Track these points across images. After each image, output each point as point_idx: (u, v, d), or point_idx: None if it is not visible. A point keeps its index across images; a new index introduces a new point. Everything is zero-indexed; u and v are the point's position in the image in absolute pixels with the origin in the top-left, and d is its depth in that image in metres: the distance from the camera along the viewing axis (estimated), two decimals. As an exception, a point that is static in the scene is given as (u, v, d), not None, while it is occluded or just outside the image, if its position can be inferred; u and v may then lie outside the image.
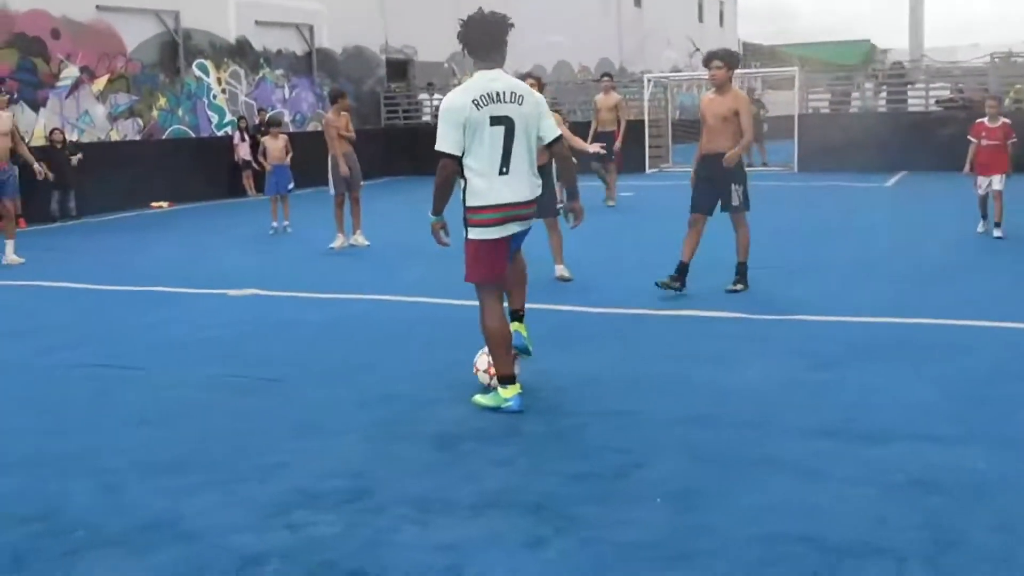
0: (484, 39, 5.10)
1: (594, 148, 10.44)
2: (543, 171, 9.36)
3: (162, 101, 19.92)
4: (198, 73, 20.75)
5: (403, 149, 24.68)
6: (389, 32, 26.72)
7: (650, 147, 24.27)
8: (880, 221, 13.42)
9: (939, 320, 7.18)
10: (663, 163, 25.28)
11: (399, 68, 27.57)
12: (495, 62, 5.09)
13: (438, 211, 5.20)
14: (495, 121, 4.94)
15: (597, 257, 10.69)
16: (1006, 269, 9.43)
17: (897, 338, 6.70)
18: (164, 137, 19.98)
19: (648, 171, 23.92)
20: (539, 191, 5.20)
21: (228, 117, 21.52)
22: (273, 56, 22.90)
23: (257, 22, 22.01)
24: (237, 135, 20.92)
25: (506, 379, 5.26)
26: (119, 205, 18.02)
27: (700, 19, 51.13)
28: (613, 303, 8.13)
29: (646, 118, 24.46)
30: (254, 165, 19.56)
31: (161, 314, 8.42)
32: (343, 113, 12.18)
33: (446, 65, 29.57)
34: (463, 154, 5.00)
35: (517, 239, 5.34)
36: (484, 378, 5.57)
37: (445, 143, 4.98)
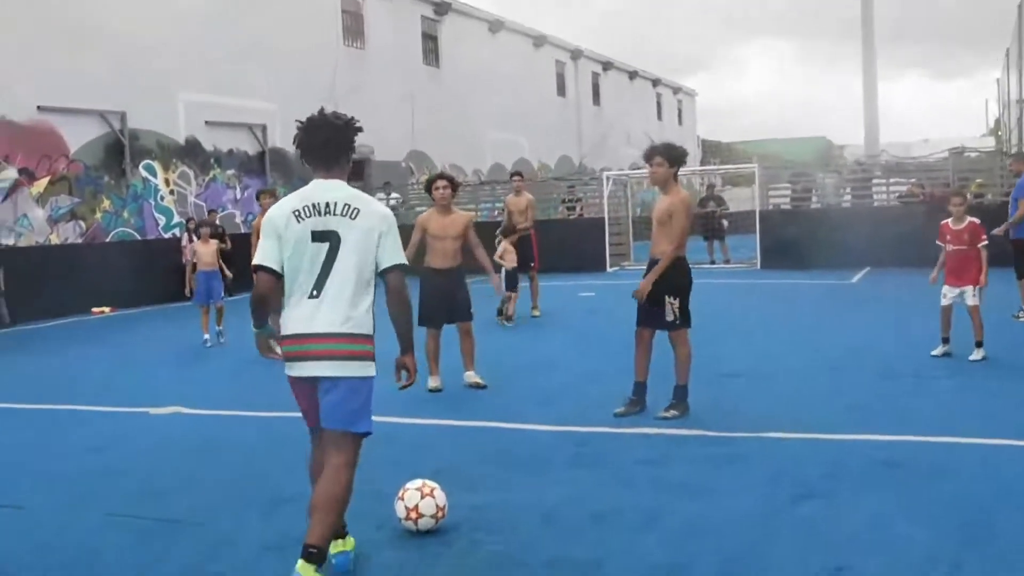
0: (324, 145, 4.31)
1: (496, 282, 9.68)
2: (457, 271, 8.93)
3: (106, 203, 19.25)
4: (145, 174, 20.14)
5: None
6: (345, 131, 26.30)
7: (611, 245, 23.85)
8: (848, 321, 12.89)
9: (921, 437, 6.53)
10: (624, 261, 24.86)
11: (355, 167, 26.93)
12: (334, 172, 4.31)
13: (258, 324, 4.38)
14: (317, 236, 4.19)
15: (553, 365, 10.02)
16: (983, 375, 8.82)
17: (880, 459, 6.03)
18: (108, 240, 19.25)
19: (609, 269, 23.46)
20: (363, 328, 4.20)
21: (176, 219, 20.87)
22: (224, 156, 22.38)
23: (207, 122, 21.52)
24: (185, 237, 20.23)
25: (303, 550, 4.06)
26: (59, 311, 17.19)
27: (659, 117, 51.67)
28: (570, 419, 7.41)
29: (606, 216, 24.09)
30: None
31: (67, 439, 7.59)
32: None
33: (403, 164, 29.28)
34: (279, 270, 4.24)
35: (329, 403, 4.18)
36: (427, 523, 4.88)
37: (258, 253, 4.26)
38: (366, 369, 4.22)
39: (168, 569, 4.64)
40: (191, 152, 21.31)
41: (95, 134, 18.95)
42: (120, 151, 19.43)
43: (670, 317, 7.29)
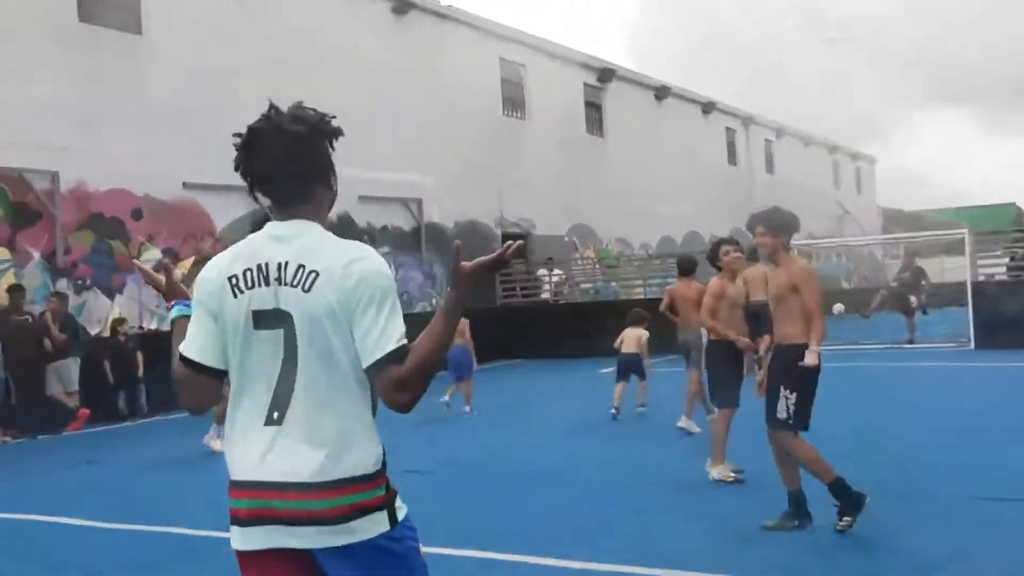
0: (276, 167, 2.62)
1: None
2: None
3: (254, 283, 18.24)
4: (294, 252, 19.12)
5: (521, 330, 22.47)
6: (504, 205, 25.01)
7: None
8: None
9: None
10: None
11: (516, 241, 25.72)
12: (290, 206, 2.63)
13: None
14: (261, 321, 2.55)
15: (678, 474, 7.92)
16: None
17: None
18: (255, 322, 18.20)
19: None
20: (348, 470, 2.49)
21: (327, 299, 19.74)
22: (378, 233, 21.26)
23: (360, 197, 20.46)
24: (335, 318, 19.06)
25: None
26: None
27: (836, 185, 48.75)
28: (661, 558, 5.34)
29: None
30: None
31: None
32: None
33: (567, 238, 27.71)
34: (217, 366, 2.63)
35: None
36: None
37: (186, 339, 2.67)
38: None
39: None
40: (343, 228, 20.18)
41: (242, 211, 18.02)
42: (269, 228, 18.47)
43: (781, 413, 6.06)
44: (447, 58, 23.20)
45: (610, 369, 16.47)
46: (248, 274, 2.55)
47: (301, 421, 2.50)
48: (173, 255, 16.79)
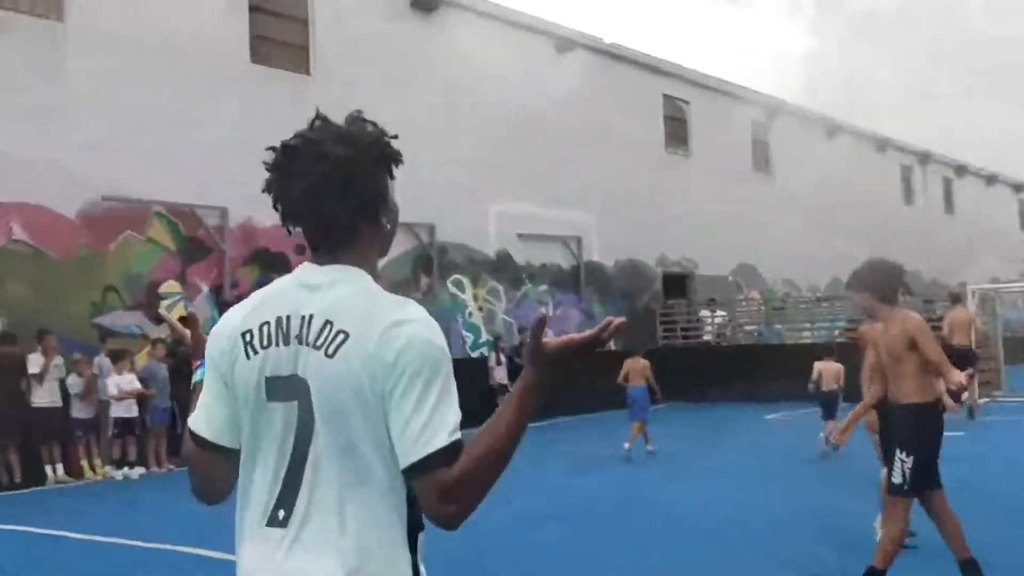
0: (309, 196, 2.05)
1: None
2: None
3: (412, 320, 18.34)
4: (453, 290, 19.17)
5: (682, 371, 21.82)
6: (666, 243, 24.50)
7: (978, 372, 20.05)
8: None
9: None
10: (995, 390, 20.96)
11: (677, 282, 25.15)
12: (327, 245, 2.10)
13: None
14: (275, 390, 1.99)
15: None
16: None
17: None
18: (410, 360, 18.27)
19: (979, 400, 19.66)
20: None
21: (484, 337, 19.66)
22: (536, 271, 21.09)
23: (519, 235, 20.37)
24: (493, 357, 18.90)
25: None
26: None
27: (1022, 226, 46.01)
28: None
29: (972, 339, 20.38)
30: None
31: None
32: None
33: (730, 279, 26.93)
34: (225, 444, 2.10)
35: None
36: None
37: (196, 408, 2.17)
38: None
39: None
40: (502, 267, 20.17)
41: (403, 248, 18.17)
42: (428, 266, 18.57)
43: (897, 479, 5.58)
44: (610, 95, 23.00)
45: (776, 415, 15.79)
46: (265, 329, 2.02)
47: (308, 525, 1.94)
48: (334, 290, 17.03)
